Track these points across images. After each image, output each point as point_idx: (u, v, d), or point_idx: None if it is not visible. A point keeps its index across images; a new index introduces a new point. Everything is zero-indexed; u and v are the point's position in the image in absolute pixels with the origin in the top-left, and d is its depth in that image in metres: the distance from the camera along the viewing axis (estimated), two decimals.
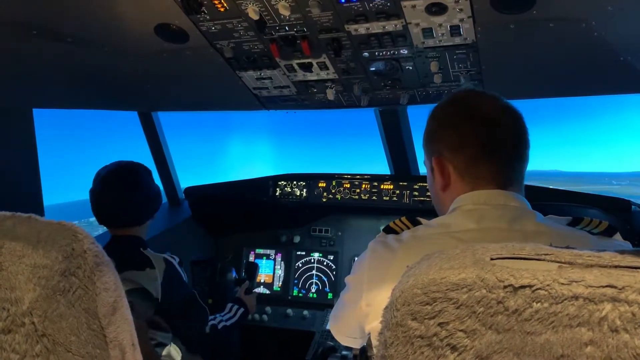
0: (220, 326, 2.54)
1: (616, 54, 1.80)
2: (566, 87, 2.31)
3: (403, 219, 1.42)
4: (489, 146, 1.32)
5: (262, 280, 3.47)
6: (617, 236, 1.29)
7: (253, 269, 3.19)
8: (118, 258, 2.26)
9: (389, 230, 1.42)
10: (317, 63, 2.19)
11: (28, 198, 2.43)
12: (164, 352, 2.33)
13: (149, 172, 2.44)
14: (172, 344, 2.37)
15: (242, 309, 2.74)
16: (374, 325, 1.32)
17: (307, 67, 2.24)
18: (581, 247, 0.77)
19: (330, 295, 3.31)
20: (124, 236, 2.36)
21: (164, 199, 3.72)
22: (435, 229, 1.32)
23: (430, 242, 1.28)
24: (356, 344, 1.64)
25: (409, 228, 1.38)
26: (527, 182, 1.44)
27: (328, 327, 2.90)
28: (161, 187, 2.59)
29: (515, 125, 1.36)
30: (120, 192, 2.29)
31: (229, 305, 2.73)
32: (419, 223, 1.39)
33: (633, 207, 2.55)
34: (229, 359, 3.18)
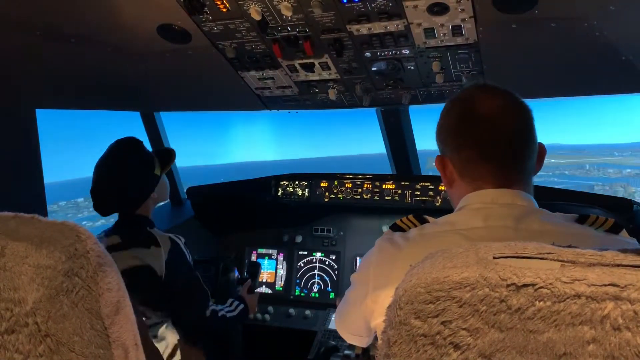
0: (220, 314, 2.54)
1: (618, 54, 1.80)
2: (568, 87, 2.31)
3: (410, 217, 1.42)
4: (486, 147, 1.32)
5: (264, 280, 3.48)
6: (624, 233, 1.29)
7: (255, 268, 3.19)
8: (125, 235, 2.30)
9: (396, 228, 1.42)
10: (319, 63, 2.19)
11: (31, 198, 2.44)
12: (159, 332, 2.35)
13: (130, 150, 2.35)
14: (167, 325, 2.38)
15: (242, 305, 2.73)
16: (379, 321, 1.33)
17: (309, 67, 2.24)
18: (586, 246, 0.77)
19: (332, 295, 3.31)
20: (131, 215, 2.38)
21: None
22: (442, 226, 1.32)
23: (437, 239, 1.28)
24: (362, 342, 1.64)
25: (416, 226, 1.39)
26: None
27: (330, 326, 2.91)
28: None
29: (516, 124, 1.34)
30: (103, 182, 2.29)
31: (230, 300, 2.73)
32: (426, 221, 1.39)
33: (635, 206, 2.54)
34: (231, 359, 3.19)
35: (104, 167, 2.30)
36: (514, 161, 1.34)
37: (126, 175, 2.30)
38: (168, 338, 2.39)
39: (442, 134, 1.42)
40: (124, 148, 2.36)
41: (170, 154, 2.56)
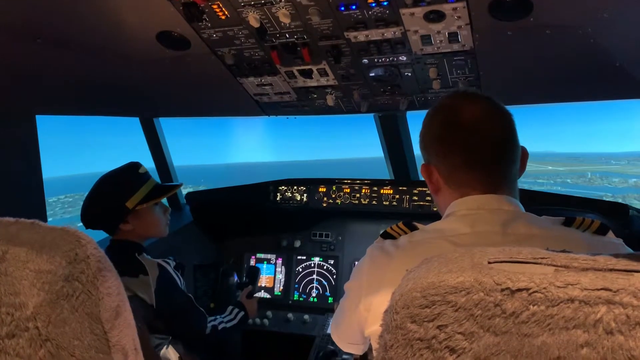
0: (220, 327, 2.55)
1: (612, 60, 1.82)
2: (563, 93, 2.32)
3: (400, 224, 1.43)
4: (470, 153, 1.33)
5: (263, 285, 3.48)
6: (610, 234, 1.31)
7: (254, 273, 3.20)
8: (114, 263, 2.29)
9: (386, 235, 1.43)
10: (317, 69, 2.21)
11: (31, 204, 2.44)
12: (161, 354, 2.35)
13: (115, 174, 2.40)
14: (170, 345, 2.38)
15: (242, 313, 2.74)
16: (373, 329, 1.34)
17: (307, 74, 2.25)
18: (575, 248, 0.78)
19: (330, 300, 3.32)
20: (120, 240, 2.39)
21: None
22: (431, 234, 1.34)
23: (426, 246, 1.30)
24: (358, 350, 1.64)
25: (406, 233, 1.40)
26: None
27: (329, 331, 2.92)
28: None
29: (498, 129, 1.35)
30: (83, 202, 2.36)
31: (230, 308, 2.74)
32: (416, 228, 1.41)
33: (631, 211, 2.56)
34: None
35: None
36: (499, 166, 1.35)
37: (94, 200, 2.34)
38: (171, 357, 2.38)
39: (426, 142, 1.44)
40: (115, 170, 2.40)
41: (166, 189, 2.55)
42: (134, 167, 2.43)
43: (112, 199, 2.34)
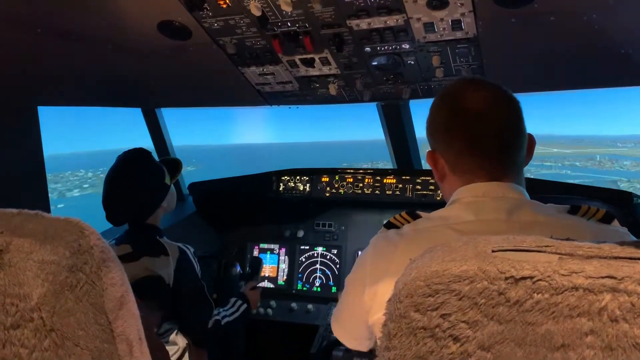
0: (223, 322, 2.55)
1: (617, 48, 1.80)
2: (567, 80, 2.31)
3: (403, 213, 1.43)
4: (475, 141, 1.32)
5: (266, 275, 3.50)
6: (615, 222, 1.30)
7: (257, 264, 3.21)
8: (135, 245, 2.32)
9: (389, 225, 1.43)
10: (319, 58, 2.20)
11: (34, 195, 2.45)
12: (170, 338, 2.38)
13: (140, 162, 2.39)
14: (177, 332, 2.41)
15: (245, 305, 2.75)
16: (377, 317, 1.34)
17: (309, 63, 2.24)
18: (580, 236, 0.77)
19: (334, 289, 3.33)
20: (141, 224, 2.42)
21: None
22: (435, 221, 1.33)
23: (430, 234, 1.29)
24: (363, 346, 1.61)
25: (409, 222, 1.39)
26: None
27: None
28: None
29: (504, 117, 1.34)
30: (115, 193, 2.32)
31: (233, 300, 2.75)
32: (419, 216, 1.40)
33: (635, 199, 2.55)
34: (234, 353, 3.21)
35: (115, 179, 2.32)
36: (504, 154, 1.34)
37: (138, 186, 2.33)
38: (179, 342, 2.41)
39: (433, 130, 1.43)
40: (134, 159, 2.39)
41: (177, 164, 2.64)
42: (146, 152, 2.45)
43: (153, 183, 2.39)
